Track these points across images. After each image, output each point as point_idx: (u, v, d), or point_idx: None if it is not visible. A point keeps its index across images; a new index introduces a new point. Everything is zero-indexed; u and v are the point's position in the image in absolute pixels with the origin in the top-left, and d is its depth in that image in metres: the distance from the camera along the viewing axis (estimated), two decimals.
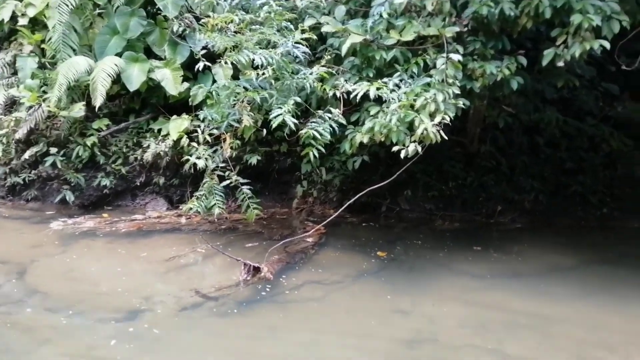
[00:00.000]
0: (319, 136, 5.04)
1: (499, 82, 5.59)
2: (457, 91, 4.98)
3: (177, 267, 5.08)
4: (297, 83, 5.39)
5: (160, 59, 7.40)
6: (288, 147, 8.41)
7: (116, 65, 6.71)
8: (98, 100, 6.55)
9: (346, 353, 3.70)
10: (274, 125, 5.22)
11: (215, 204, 5.59)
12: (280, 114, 5.11)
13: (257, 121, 6.92)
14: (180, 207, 6.90)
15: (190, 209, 5.61)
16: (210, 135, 6.81)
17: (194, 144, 6.87)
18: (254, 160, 7.71)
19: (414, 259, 5.74)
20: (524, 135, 9.08)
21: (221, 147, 7.01)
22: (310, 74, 5.33)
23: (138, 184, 7.42)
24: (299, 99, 5.30)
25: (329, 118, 5.16)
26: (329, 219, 6.05)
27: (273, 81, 5.47)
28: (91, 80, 6.65)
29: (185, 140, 7.04)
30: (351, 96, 5.28)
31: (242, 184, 5.73)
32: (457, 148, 8.82)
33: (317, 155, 5.17)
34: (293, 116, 5.25)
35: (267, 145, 8.45)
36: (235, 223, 6.92)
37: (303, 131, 5.12)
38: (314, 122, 5.18)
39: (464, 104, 5.17)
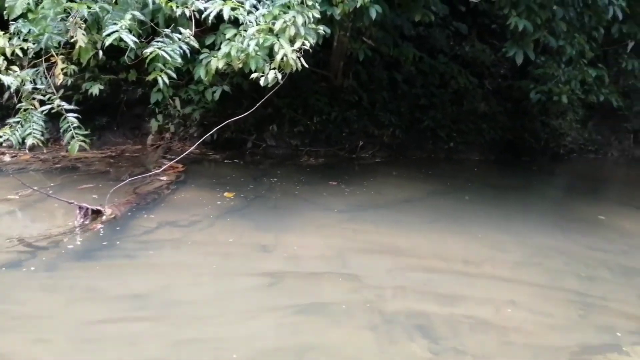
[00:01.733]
0: (168, 57, 4.38)
1: (359, 10, 5.45)
2: (317, 15, 4.69)
3: (7, 211, 4.18)
4: None
5: None
6: (137, 75, 7.45)
7: None
8: None
9: (204, 292, 3.39)
10: (106, 43, 4.40)
11: (30, 133, 4.59)
12: (116, 31, 4.31)
13: (96, 43, 5.89)
14: (3, 145, 5.72)
15: (0, 137, 4.56)
16: (35, 57, 5.63)
17: (16, 67, 5.63)
18: (95, 89, 6.67)
19: (278, 196, 5.54)
20: (384, 71, 9.27)
21: (47, 71, 5.89)
22: None
23: None
24: (138, 14, 4.52)
25: (179, 39, 4.50)
26: (183, 155, 5.51)
27: None
28: None
29: (2, 63, 5.73)
30: (203, 15, 4.67)
31: (67, 111, 4.81)
32: (322, 82, 8.70)
33: (167, 81, 4.53)
34: (134, 35, 4.48)
35: (111, 72, 7.41)
36: (76, 162, 6.00)
37: (148, 50, 4.41)
38: (160, 41, 4.48)
39: (324, 31, 4.90)
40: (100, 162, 6.16)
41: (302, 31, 4.49)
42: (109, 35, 4.27)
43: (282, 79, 4.52)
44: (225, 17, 4.50)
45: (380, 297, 3.46)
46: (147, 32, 5.43)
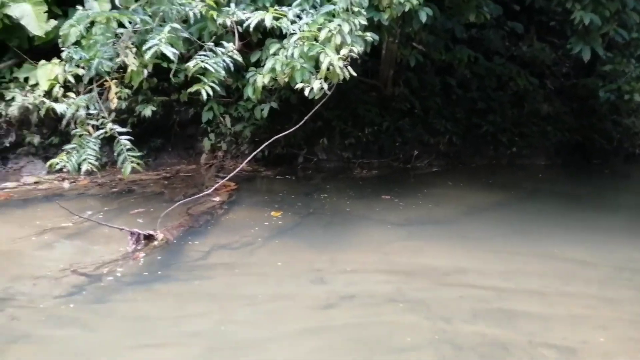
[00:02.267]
0: (211, 69, 4.29)
1: (408, 14, 5.19)
2: (364, 21, 4.47)
3: (52, 241, 4.22)
4: (178, 10, 4.54)
5: None
6: (189, 95, 7.52)
7: None
8: None
9: (257, 319, 3.21)
10: (147, 56, 4.38)
11: (85, 159, 4.62)
12: (156, 44, 4.27)
13: (147, 65, 5.98)
14: (64, 170, 5.87)
15: (57, 164, 4.62)
16: (90, 82, 5.76)
17: (72, 94, 5.78)
18: (147, 111, 6.78)
19: (331, 212, 5.33)
20: (437, 76, 8.91)
21: (101, 95, 6.02)
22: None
23: (7, 144, 6.24)
24: (177, 26, 4.47)
25: (222, 53, 4.41)
26: (233, 173, 5.42)
27: (147, 8, 4.58)
28: None
29: (58, 90, 5.92)
30: (244, 25, 4.57)
31: (120, 134, 4.81)
32: (371, 92, 8.46)
33: (210, 93, 4.45)
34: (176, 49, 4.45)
35: (164, 94, 7.51)
36: (132, 184, 6.06)
37: (191, 63, 4.35)
38: (202, 54, 4.41)
39: (372, 38, 4.67)
40: (155, 183, 6.20)
41: (349, 39, 4.29)
42: (149, 49, 4.24)
43: (329, 89, 4.32)
44: (268, 25, 4.38)
45: (448, 325, 3.15)
46: (193, 48, 5.43)
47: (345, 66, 4.34)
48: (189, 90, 4.78)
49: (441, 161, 8.12)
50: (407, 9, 5.05)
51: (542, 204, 6.30)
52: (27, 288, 3.46)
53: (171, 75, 4.99)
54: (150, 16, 4.77)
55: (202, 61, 4.32)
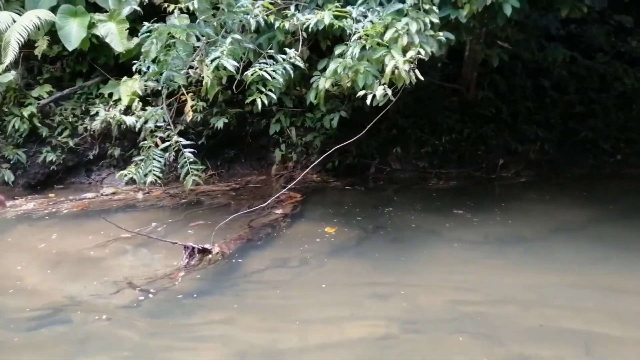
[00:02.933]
0: (268, 77, 4.13)
1: (491, 8, 4.61)
2: (436, 19, 4.06)
3: (114, 252, 4.29)
4: (240, 18, 4.43)
5: (103, 11, 6.42)
6: (262, 106, 7.52)
7: (39, 18, 5.74)
8: (9, 57, 5.60)
9: (308, 345, 2.96)
10: (209, 69, 4.31)
11: (151, 170, 4.69)
12: (217, 57, 4.19)
13: (222, 78, 6.01)
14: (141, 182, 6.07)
15: (125, 175, 4.74)
16: (169, 97, 5.91)
17: (151, 108, 5.96)
18: (220, 123, 6.84)
19: (400, 227, 4.93)
20: (528, 78, 8.11)
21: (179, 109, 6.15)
22: (252, 3, 4.38)
23: (91, 157, 6.59)
24: (238, 36, 4.37)
25: (283, 60, 4.24)
26: (293, 184, 5.23)
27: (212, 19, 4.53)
28: (4, 36, 5.69)
29: (137, 104, 6.16)
30: (303, 26, 4.36)
31: (184, 147, 4.82)
32: (452, 97, 7.89)
33: (266, 102, 4.30)
34: (238, 60, 4.34)
35: (238, 106, 7.56)
36: (201, 195, 6.11)
37: (248, 72, 4.22)
38: (262, 62, 4.26)
39: (447, 39, 4.23)
40: (223, 195, 6.21)
41: (417, 39, 3.90)
42: (211, 61, 4.17)
43: (394, 94, 3.96)
44: (326, 22, 4.13)
45: None
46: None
47: (413, 69, 3.95)
48: (247, 100, 4.67)
49: (531, 171, 7.33)
50: (489, 2, 4.52)
51: None
52: (86, 297, 3.50)
53: (234, 87, 4.91)
54: (220, 27, 4.76)
55: (260, 69, 4.17)
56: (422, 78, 3.97)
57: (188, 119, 6.17)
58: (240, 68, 4.65)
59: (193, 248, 3.93)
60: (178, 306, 3.41)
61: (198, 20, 4.55)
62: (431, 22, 4.11)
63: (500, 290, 3.62)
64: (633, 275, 3.91)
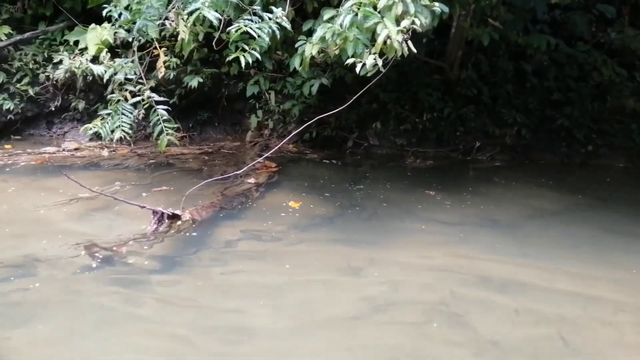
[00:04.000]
0: (254, 35, 3.87)
1: None
2: None
3: (76, 213, 4.01)
4: None
5: None
6: (239, 68, 7.19)
7: None
8: None
9: (279, 323, 2.83)
10: (190, 22, 4.01)
11: (119, 125, 4.38)
12: (198, 8, 3.89)
13: (198, 34, 5.65)
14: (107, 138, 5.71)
15: (90, 129, 4.41)
16: (140, 50, 5.51)
17: (120, 59, 5.55)
18: (194, 82, 6.51)
19: (376, 204, 4.82)
20: (510, 62, 8.04)
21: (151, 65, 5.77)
22: None
23: (53, 109, 6.17)
24: None
25: (270, 19, 3.97)
26: (269, 153, 5.03)
27: None
28: None
29: (105, 55, 5.73)
30: None
31: (157, 103, 4.52)
32: (435, 74, 7.75)
33: (250, 61, 4.05)
34: (219, 13, 4.05)
35: (214, 66, 7.21)
36: (171, 158, 5.83)
37: (232, 28, 3.94)
38: (247, 19, 3.98)
39: (441, 9, 4.04)
40: (195, 159, 5.94)
41: (412, 8, 3.69)
42: (191, 12, 3.86)
43: (384, 66, 3.77)
44: None
45: (496, 348, 2.61)
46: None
47: (406, 40, 3.75)
48: (227, 58, 4.39)
49: (506, 155, 7.35)
50: None
51: (622, 210, 5.46)
52: (44, 259, 3.25)
53: (214, 43, 4.61)
54: None
55: (245, 25, 3.89)
56: (414, 50, 3.79)
57: (160, 75, 5.82)
58: (220, 25, 4.36)
59: (162, 213, 3.71)
60: (142, 278, 3.20)
61: None
62: None
63: (473, 274, 3.58)
64: (596, 259, 3.95)
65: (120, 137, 4.41)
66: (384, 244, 3.96)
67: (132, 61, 4.82)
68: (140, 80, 4.70)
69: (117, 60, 5.26)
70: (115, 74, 4.69)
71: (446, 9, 4.26)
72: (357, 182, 5.51)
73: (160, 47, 5.71)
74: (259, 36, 3.88)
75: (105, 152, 5.59)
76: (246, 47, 4.00)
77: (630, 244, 4.37)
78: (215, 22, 3.97)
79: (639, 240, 4.50)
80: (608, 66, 8.37)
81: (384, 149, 7.09)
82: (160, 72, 5.69)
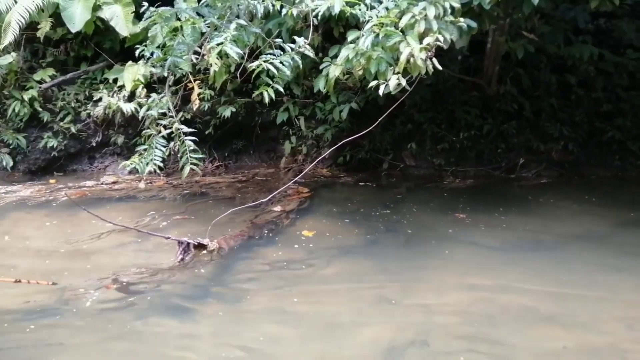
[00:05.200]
0: (274, 70, 3.86)
1: None
2: (456, 4, 3.72)
3: (107, 245, 4.06)
4: (247, 3, 4.15)
5: None
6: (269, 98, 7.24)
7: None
8: (8, 38, 5.38)
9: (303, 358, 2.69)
10: (211, 58, 4.04)
11: (152, 159, 4.46)
12: (221, 42, 3.92)
13: (230, 66, 5.75)
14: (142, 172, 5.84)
15: (129, 165, 4.52)
16: (176, 84, 5.66)
17: (155, 94, 5.72)
18: (227, 112, 6.59)
19: (412, 228, 4.61)
20: (552, 74, 7.68)
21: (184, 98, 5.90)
22: None
23: (94, 144, 6.39)
24: (243, 22, 4.11)
25: (292, 49, 3.95)
26: (299, 177, 4.95)
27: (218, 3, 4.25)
28: (5, 17, 5.47)
29: (141, 91, 5.92)
30: (313, 14, 4.07)
31: (185, 134, 4.58)
32: (472, 91, 7.51)
33: (273, 96, 4.03)
34: (244, 47, 4.07)
35: (247, 95, 7.29)
36: (205, 187, 5.87)
37: (253, 64, 3.94)
38: (269, 53, 3.98)
39: (468, 26, 3.89)
40: (228, 187, 5.96)
41: (435, 25, 3.58)
42: (212, 47, 3.90)
43: (410, 84, 3.65)
44: (336, 10, 3.84)
45: None
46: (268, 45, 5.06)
47: (430, 58, 3.63)
48: (254, 93, 4.41)
49: (553, 172, 6.95)
50: None
51: None
52: (68, 293, 3.28)
53: (238, 74, 4.65)
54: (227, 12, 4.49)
55: (266, 61, 3.90)
56: (439, 67, 3.65)
57: (194, 108, 5.91)
58: (246, 55, 4.39)
59: (188, 244, 3.68)
60: (165, 309, 3.15)
61: (201, 3, 4.27)
62: (451, 7, 3.79)
63: (517, 303, 3.30)
64: None
65: (152, 170, 4.48)
66: (420, 270, 3.75)
67: (164, 96, 4.92)
68: (170, 114, 4.78)
69: (152, 95, 5.43)
70: (148, 109, 4.80)
71: (474, 25, 4.11)
72: (393, 204, 5.33)
73: (195, 80, 5.83)
74: (279, 70, 3.87)
75: (141, 185, 5.70)
76: (270, 82, 4.01)
77: None
78: (236, 57, 4.00)
79: None
80: None
81: (421, 170, 6.88)
82: (195, 104, 5.78)
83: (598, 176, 7.08)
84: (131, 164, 4.70)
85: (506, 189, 6.33)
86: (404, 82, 3.60)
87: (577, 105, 7.49)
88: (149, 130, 4.87)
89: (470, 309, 3.20)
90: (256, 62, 3.93)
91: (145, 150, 4.79)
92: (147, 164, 4.57)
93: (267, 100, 4.08)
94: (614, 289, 3.54)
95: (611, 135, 7.29)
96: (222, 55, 4.69)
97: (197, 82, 5.96)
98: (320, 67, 4.49)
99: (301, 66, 4.11)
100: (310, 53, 4.06)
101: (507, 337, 2.89)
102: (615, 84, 7.73)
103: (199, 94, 5.81)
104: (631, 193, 6.58)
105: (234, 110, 6.58)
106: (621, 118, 7.41)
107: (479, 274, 3.71)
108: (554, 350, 2.79)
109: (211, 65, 4.85)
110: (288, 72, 3.93)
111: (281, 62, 3.87)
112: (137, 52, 4.75)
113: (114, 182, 5.74)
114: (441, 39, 3.56)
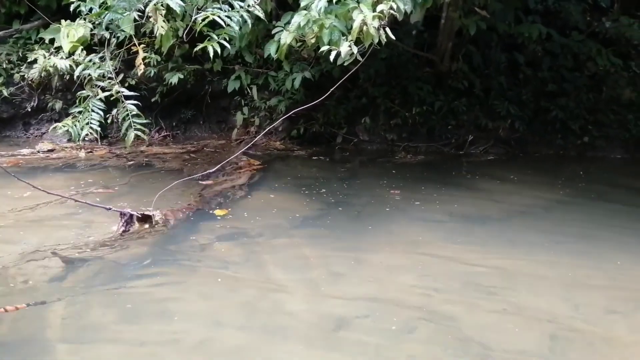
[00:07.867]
0: (222, 23, 3.67)
1: None
2: None
3: (43, 216, 3.81)
4: None
5: None
6: (223, 64, 6.98)
7: None
8: None
9: (251, 330, 2.63)
10: (148, 9, 3.81)
11: (88, 122, 4.17)
12: None
13: (178, 30, 5.44)
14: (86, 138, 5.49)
15: (60, 128, 4.21)
16: (119, 47, 5.30)
17: (95, 56, 5.34)
18: (174, 79, 6.31)
19: (364, 202, 4.62)
20: (502, 53, 7.84)
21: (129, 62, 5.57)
22: None
23: (29, 109, 5.96)
24: None
25: (241, 7, 3.77)
26: (247, 147, 4.83)
27: None
28: None
29: (81, 53, 5.52)
30: None
31: (127, 97, 4.31)
32: (426, 67, 7.55)
33: (218, 51, 3.86)
34: (190, 9, 3.85)
35: (197, 62, 7.00)
36: (152, 158, 5.62)
37: (199, 16, 3.74)
38: (216, 7, 3.78)
39: None
40: (176, 158, 5.73)
41: None
42: (158, 9, 3.66)
43: (362, 55, 3.57)
44: None
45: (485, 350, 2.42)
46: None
47: (383, 27, 3.55)
48: (195, 49, 4.19)
49: (499, 149, 7.16)
50: None
51: (616, 205, 5.26)
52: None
53: (183, 35, 4.39)
54: None
55: (213, 14, 3.69)
56: (393, 37, 3.59)
57: (139, 73, 5.60)
58: (194, 15, 4.15)
59: (131, 215, 3.50)
60: (106, 285, 3.00)
61: None
62: None
63: (461, 275, 3.38)
64: (591, 255, 3.76)
65: (93, 134, 4.20)
66: (371, 243, 3.76)
67: (103, 57, 4.60)
68: (110, 76, 4.48)
69: (91, 56, 5.07)
70: (85, 69, 4.47)
71: None
72: (346, 179, 5.32)
73: (140, 44, 5.50)
74: (227, 25, 3.68)
75: (82, 154, 5.39)
76: (214, 37, 3.80)
77: (628, 236, 4.17)
78: (178, 11, 3.76)
79: (637, 233, 4.31)
80: (603, 56, 8.18)
81: (374, 145, 6.90)
82: (140, 69, 5.46)
83: (541, 154, 7.36)
84: (63, 126, 4.39)
85: (455, 165, 6.46)
86: (355, 50, 3.52)
87: (525, 84, 7.70)
88: (84, 91, 4.55)
89: (419, 282, 3.24)
90: (202, 14, 3.71)
91: (80, 113, 4.48)
92: (82, 127, 4.28)
93: (211, 54, 3.86)
94: (553, 259, 3.70)
95: (555, 114, 7.56)
96: (169, 18, 4.44)
97: (142, 45, 5.64)
98: (273, 32, 4.33)
99: (251, 27, 3.93)
100: (260, 13, 3.89)
101: (453, 306, 2.95)
102: (561, 64, 7.98)
103: (144, 58, 5.49)
104: (571, 171, 6.90)
105: (182, 77, 6.30)
106: (564, 98, 7.69)
107: (428, 246, 3.77)
108: (496, 314, 2.87)
109: (157, 28, 4.60)
110: (236, 28, 3.75)
111: (228, 17, 3.68)
112: (72, 7, 4.39)
113: (51, 150, 5.39)
114: (395, 7, 3.49)
